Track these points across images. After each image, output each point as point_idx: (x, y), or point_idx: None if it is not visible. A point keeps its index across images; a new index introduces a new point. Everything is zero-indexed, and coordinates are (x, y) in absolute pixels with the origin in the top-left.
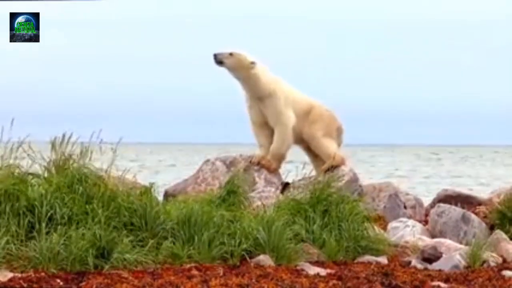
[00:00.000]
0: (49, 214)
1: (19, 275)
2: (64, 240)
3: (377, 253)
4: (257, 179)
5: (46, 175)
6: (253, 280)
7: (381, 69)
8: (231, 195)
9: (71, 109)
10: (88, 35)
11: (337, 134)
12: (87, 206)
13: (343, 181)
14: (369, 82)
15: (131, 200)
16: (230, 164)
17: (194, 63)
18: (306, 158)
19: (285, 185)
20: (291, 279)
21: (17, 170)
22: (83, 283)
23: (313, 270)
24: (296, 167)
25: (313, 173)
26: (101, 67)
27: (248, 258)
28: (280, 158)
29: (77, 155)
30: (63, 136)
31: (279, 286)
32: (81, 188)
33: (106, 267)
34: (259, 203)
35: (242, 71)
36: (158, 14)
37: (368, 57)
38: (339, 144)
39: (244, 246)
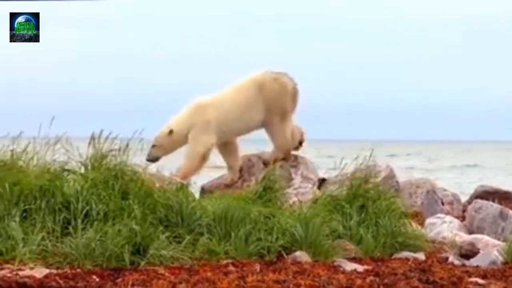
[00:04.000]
0: (85, 210)
1: (55, 271)
2: (100, 236)
3: (415, 249)
4: (293, 175)
5: (82, 171)
6: (290, 277)
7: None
8: (268, 191)
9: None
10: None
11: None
12: (123, 202)
13: (380, 177)
14: None
15: (168, 196)
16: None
17: (231, 63)
18: (344, 153)
19: (322, 181)
20: (328, 275)
21: (53, 166)
22: (119, 280)
23: (350, 266)
24: (334, 163)
25: (351, 168)
26: (137, 65)
27: (285, 254)
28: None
29: (114, 151)
30: (101, 132)
31: (316, 282)
32: (117, 184)
33: (142, 263)
34: (295, 199)
35: (174, 144)
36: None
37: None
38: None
39: (281, 242)
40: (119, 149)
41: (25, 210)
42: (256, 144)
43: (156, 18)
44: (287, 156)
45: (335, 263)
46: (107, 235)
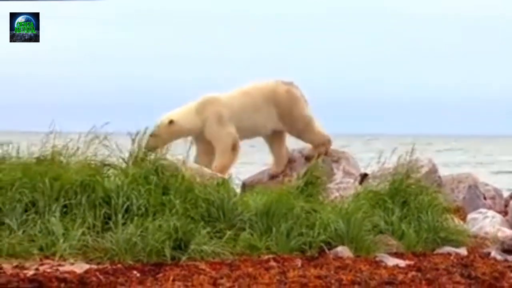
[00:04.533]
0: (125, 205)
1: (95, 266)
2: (141, 232)
3: (457, 244)
4: (335, 170)
5: (123, 166)
6: (332, 272)
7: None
8: (309, 186)
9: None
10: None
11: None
12: (164, 197)
13: (422, 172)
14: None
15: (209, 191)
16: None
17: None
18: (386, 148)
19: (364, 176)
20: (369, 270)
21: (93, 161)
22: (160, 275)
23: (392, 261)
24: (377, 158)
25: (392, 163)
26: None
27: (326, 250)
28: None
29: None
30: (146, 129)
31: (357, 277)
32: (157, 179)
33: (183, 258)
34: (337, 194)
35: (172, 135)
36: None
37: None
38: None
39: (323, 237)
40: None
41: (65, 205)
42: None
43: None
44: (328, 150)
45: (377, 258)
46: (148, 230)
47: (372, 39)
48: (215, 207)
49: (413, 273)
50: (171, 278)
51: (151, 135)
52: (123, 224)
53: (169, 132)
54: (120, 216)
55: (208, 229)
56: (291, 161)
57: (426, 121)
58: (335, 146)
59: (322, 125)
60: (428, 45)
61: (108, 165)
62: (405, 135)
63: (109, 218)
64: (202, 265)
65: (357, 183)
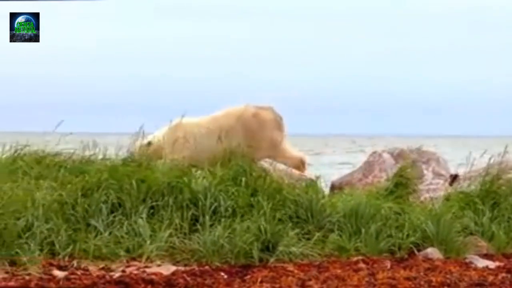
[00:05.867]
0: (213, 206)
1: (182, 268)
2: (229, 233)
3: None
4: (425, 171)
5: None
6: (421, 273)
7: None
8: (399, 187)
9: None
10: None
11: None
12: (251, 199)
13: None
14: None
15: (297, 192)
16: (397, 156)
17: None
18: (473, 149)
19: (454, 177)
20: (459, 272)
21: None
22: (248, 277)
23: (482, 263)
24: (466, 159)
25: (481, 164)
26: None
27: (416, 251)
28: None
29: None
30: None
31: (447, 279)
32: (246, 180)
33: (271, 260)
34: (427, 195)
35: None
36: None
37: None
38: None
39: (412, 238)
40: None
41: (152, 207)
42: (386, 140)
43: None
44: (304, 170)
45: (467, 260)
46: (236, 232)
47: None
48: (304, 208)
49: (503, 274)
50: (259, 279)
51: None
52: (211, 225)
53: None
54: (207, 217)
55: (297, 230)
56: (380, 162)
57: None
58: (426, 147)
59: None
60: None
61: (195, 166)
62: (493, 136)
63: (196, 220)
64: (290, 267)
65: (447, 184)
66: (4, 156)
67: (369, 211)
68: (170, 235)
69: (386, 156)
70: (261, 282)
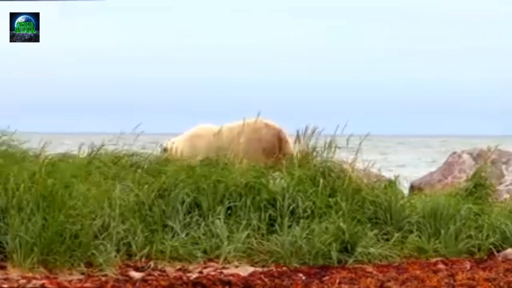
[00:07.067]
0: (291, 207)
1: (260, 269)
2: (307, 234)
3: None
4: (504, 171)
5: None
6: (501, 274)
7: None
8: (478, 188)
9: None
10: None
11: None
12: (330, 199)
13: None
14: None
15: (376, 193)
16: (477, 156)
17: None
18: None
19: None
20: None
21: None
22: (326, 278)
23: None
24: None
25: None
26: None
27: (495, 252)
28: None
29: (321, 148)
30: (306, 128)
31: None
32: (324, 181)
33: (350, 261)
34: (506, 195)
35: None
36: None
37: None
38: None
39: (492, 240)
40: (324, 145)
41: (229, 208)
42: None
43: None
44: None
45: None
46: (314, 233)
47: None
48: (383, 209)
49: None
50: (337, 281)
51: None
52: (289, 226)
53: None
54: (286, 218)
55: (375, 231)
56: (460, 163)
57: None
58: (505, 146)
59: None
60: None
61: (273, 167)
62: None
63: (274, 221)
64: (369, 268)
65: None
66: (81, 156)
67: (448, 212)
68: (248, 236)
69: (465, 156)
70: (340, 283)
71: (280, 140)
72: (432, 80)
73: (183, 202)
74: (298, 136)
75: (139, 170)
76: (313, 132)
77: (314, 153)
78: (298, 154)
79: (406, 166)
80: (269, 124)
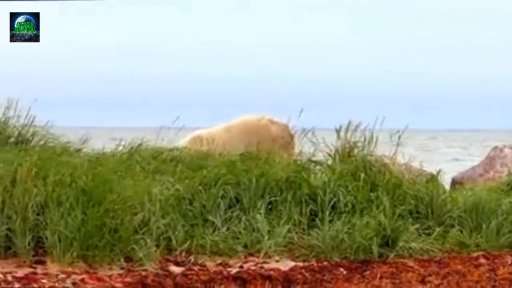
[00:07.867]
0: (332, 202)
1: (301, 264)
2: (348, 229)
3: None
4: None
5: (329, 162)
6: None
7: None
8: None
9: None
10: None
11: None
12: (371, 194)
13: None
14: None
15: (417, 187)
16: None
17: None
18: None
19: None
20: None
21: (299, 158)
22: (367, 272)
23: None
24: None
25: None
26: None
27: None
28: None
29: (362, 142)
30: (349, 123)
31: None
32: (365, 175)
33: (391, 255)
34: None
35: None
36: None
37: None
38: None
39: None
40: (365, 140)
41: (270, 202)
42: (504, 133)
43: None
44: None
45: None
46: (355, 227)
47: None
48: (424, 203)
49: None
50: (378, 275)
51: None
52: (330, 221)
53: None
54: (326, 213)
55: (417, 225)
56: (502, 157)
57: None
58: None
59: None
60: None
61: (315, 161)
62: None
63: (315, 215)
64: (410, 262)
65: None
66: (121, 151)
67: (490, 206)
68: (289, 231)
69: (507, 151)
70: (381, 277)
71: (291, 136)
72: (469, 75)
73: (223, 197)
74: (338, 131)
75: (180, 165)
76: (356, 127)
77: (356, 148)
78: (339, 149)
79: (447, 160)
80: (276, 121)
